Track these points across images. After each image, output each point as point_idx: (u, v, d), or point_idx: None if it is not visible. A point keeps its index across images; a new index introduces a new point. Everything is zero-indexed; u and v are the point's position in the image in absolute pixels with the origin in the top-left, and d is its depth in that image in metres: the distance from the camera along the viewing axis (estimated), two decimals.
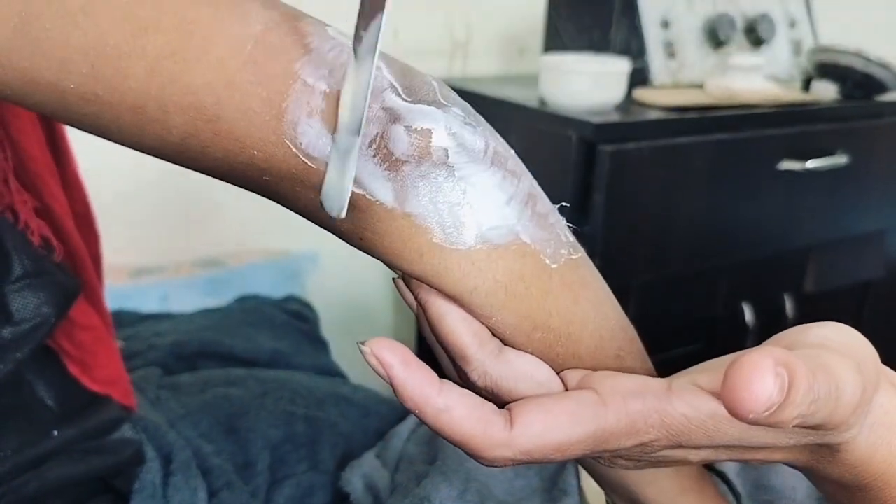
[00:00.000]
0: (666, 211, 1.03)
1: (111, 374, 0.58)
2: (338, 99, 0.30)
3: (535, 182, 0.33)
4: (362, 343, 0.31)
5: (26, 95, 0.31)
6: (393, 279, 0.35)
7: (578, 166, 0.99)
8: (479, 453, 0.31)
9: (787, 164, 1.11)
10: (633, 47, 1.16)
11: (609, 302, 0.36)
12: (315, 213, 0.33)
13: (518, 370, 0.33)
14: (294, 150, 0.30)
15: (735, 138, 1.07)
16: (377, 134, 0.30)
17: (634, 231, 1.02)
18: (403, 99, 0.30)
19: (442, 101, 0.31)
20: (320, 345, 1.00)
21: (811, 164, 1.12)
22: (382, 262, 0.33)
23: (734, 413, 0.25)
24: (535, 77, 1.10)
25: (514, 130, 1.08)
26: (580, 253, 0.35)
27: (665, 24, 1.18)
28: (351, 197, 0.30)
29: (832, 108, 1.17)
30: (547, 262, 0.33)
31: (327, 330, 1.07)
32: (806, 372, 0.26)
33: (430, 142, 0.30)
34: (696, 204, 1.06)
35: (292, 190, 0.32)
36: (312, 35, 0.30)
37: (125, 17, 0.29)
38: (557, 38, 1.24)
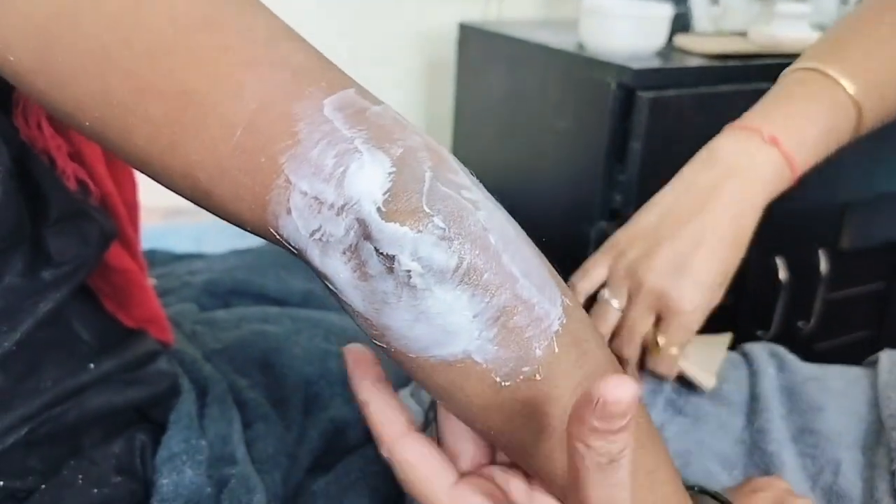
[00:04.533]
0: None
1: (147, 313, 0.59)
2: (316, 201, 0.30)
3: (523, 289, 0.32)
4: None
5: (49, 110, 0.32)
6: None
7: (616, 113, 0.97)
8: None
9: None
10: None
11: None
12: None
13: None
14: (277, 237, 0.31)
15: None
16: (351, 245, 0.31)
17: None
18: (379, 210, 0.30)
19: (425, 208, 0.30)
20: None
21: None
22: None
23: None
24: (573, 21, 1.08)
25: (551, 76, 1.06)
26: (545, 374, 0.33)
27: None
28: (330, 289, 0.33)
29: None
30: (497, 380, 0.33)
31: None
32: None
33: (394, 264, 0.30)
34: None
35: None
36: (303, 121, 0.30)
37: (126, 73, 0.30)
38: None
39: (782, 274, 1.17)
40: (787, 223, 1.18)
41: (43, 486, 0.46)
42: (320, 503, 0.56)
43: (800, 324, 1.25)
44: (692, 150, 1.06)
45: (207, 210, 0.33)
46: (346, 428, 0.63)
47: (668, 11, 1.03)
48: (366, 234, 0.30)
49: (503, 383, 0.33)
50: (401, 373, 0.68)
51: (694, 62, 1.02)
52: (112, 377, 0.52)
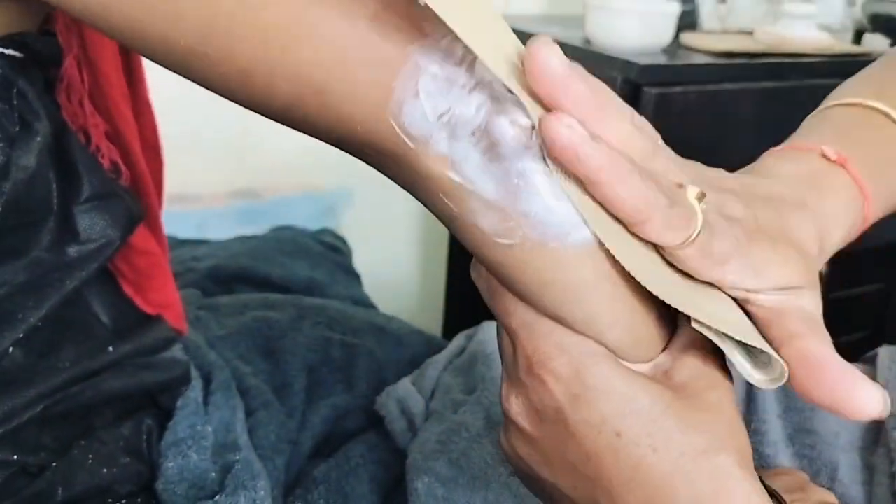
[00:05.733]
0: (709, 158, 1.00)
1: (165, 298, 0.59)
2: (447, 82, 0.30)
3: None
4: None
5: (135, 43, 0.32)
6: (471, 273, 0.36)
7: None
8: None
9: None
10: None
11: None
12: (411, 189, 0.33)
13: None
14: (396, 129, 0.31)
15: (782, 87, 1.05)
16: (481, 125, 0.30)
17: None
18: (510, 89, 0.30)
19: None
20: (353, 277, 1.01)
21: None
22: (464, 244, 0.33)
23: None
24: (580, 17, 1.08)
25: None
26: None
27: None
28: (450, 186, 0.31)
29: None
30: None
31: (358, 266, 1.07)
32: None
33: (531, 137, 0.30)
34: (740, 152, 1.03)
35: (393, 165, 0.32)
36: (426, 20, 0.30)
37: None
38: None
39: None
40: None
41: (54, 464, 0.46)
42: (321, 489, 0.56)
43: None
44: (697, 147, 1.06)
45: (306, 122, 0.32)
46: (347, 415, 0.64)
47: (674, 8, 1.03)
48: (500, 108, 0.30)
49: None
50: (400, 368, 0.69)
51: (700, 59, 1.02)
52: (128, 361, 0.53)
